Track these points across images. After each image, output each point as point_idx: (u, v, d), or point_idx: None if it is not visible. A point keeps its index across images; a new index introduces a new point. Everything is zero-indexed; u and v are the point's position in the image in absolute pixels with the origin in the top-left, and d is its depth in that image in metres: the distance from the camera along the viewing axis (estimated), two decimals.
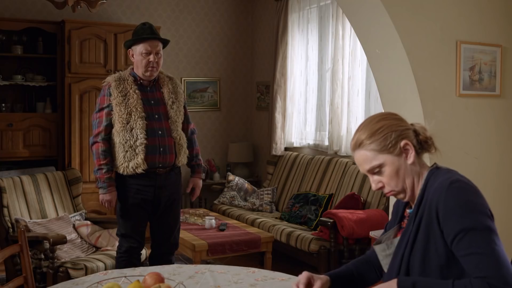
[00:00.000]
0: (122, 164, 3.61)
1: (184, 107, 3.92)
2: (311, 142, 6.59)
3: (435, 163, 1.88)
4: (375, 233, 4.05)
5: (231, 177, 6.83)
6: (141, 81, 3.71)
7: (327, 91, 6.25)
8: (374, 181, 1.88)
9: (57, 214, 4.75)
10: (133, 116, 3.58)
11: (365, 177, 5.33)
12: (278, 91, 6.87)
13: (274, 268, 4.91)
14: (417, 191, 1.85)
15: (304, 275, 1.95)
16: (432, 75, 3.67)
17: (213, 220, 5.05)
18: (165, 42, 3.79)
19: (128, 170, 3.60)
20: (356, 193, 5.21)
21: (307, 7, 6.57)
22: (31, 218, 4.54)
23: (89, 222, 4.79)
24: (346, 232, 4.61)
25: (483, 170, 3.87)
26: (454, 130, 3.72)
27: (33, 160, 6.06)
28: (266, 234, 4.89)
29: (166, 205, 3.77)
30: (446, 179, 1.72)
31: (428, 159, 2.18)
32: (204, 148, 7.55)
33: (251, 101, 7.89)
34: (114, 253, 4.40)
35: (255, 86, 7.79)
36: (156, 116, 3.68)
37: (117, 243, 4.60)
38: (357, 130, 1.89)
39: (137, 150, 3.57)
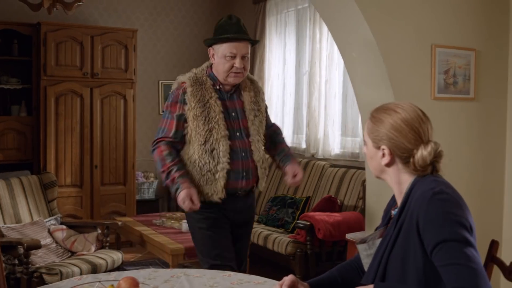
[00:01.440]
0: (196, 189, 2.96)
1: (266, 113, 3.26)
2: (289, 145, 6.58)
3: None
4: (351, 236, 4.07)
5: None
6: (220, 86, 3.04)
7: (304, 94, 6.27)
8: (364, 150, 2.00)
9: (32, 219, 4.69)
10: (214, 135, 2.93)
11: (341, 180, 5.35)
12: None
13: (251, 271, 4.90)
14: (396, 188, 1.87)
15: (290, 277, 1.97)
16: (408, 78, 3.70)
17: None
18: (254, 43, 3.15)
19: (202, 196, 2.98)
20: (333, 196, 5.22)
21: (284, 11, 6.59)
22: (5, 223, 4.48)
23: (64, 227, 4.74)
24: (323, 234, 4.62)
25: (456, 172, 3.92)
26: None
27: (7, 164, 5.97)
28: None
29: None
30: (429, 189, 1.72)
31: None
32: None
33: None
34: (90, 257, 4.37)
35: None
36: (238, 133, 3.03)
37: (93, 248, 4.57)
38: (394, 110, 1.85)
39: (217, 176, 2.95)
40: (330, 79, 5.80)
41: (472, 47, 3.99)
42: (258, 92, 3.17)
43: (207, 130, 2.92)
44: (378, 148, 1.86)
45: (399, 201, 1.88)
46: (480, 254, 1.69)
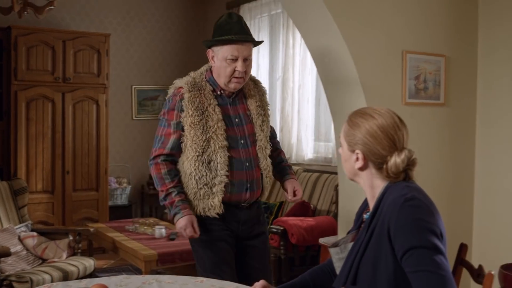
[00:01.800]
0: (192, 203, 2.80)
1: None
2: None
3: None
4: (324, 240, 4.09)
5: None
6: (221, 91, 2.83)
7: (277, 99, 6.29)
8: (339, 151, 2.01)
9: (2, 226, 4.62)
10: (212, 145, 2.73)
11: (315, 185, 5.38)
12: None
13: None
14: (368, 192, 1.89)
15: (261, 283, 1.98)
16: (379, 84, 3.74)
17: (163, 229, 4.99)
18: (257, 43, 2.87)
19: (198, 210, 2.80)
20: (306, 201, 5.24)
21: (258, 16, 6.61)
22: None
23: (35, 234, 4.67)
24: (296, 239, 4.63)
25: (427, 176, 3.95)
26: None
27: None
28: None
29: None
30: (401, 196, 1.74)
31: None
32: None
33: None
34: (61, 264, 4.31)
35: None
36: (242, 141, 2.82)
37: (64, 255, 4.52)
38: (371, 116, 1.86)
39: (214, 189, 2.75)
40: (303, 84, 5.83)
41: (442, 53, 4.05)
42: (262, 95, 2.96)
43: (204, 140, 2.72)
44: (353, 151, 1.87)
45: (371, 204, 1.89)
46: (450, 257, 1.72)
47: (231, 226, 2.84)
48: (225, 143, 2.74)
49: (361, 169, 1.87)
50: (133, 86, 7.29)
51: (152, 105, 7.46)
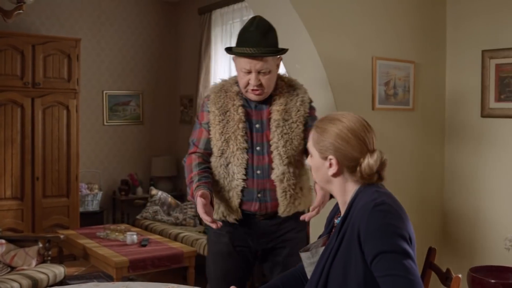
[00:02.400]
0: (217, 204, 2.70)
1: (305, 125, 2.72)
2: None
3: None
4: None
5: (154, 191, 6.75)
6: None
7: None
8: (307, 160, 1.99)
9: None
10: (230, 146, 2.63)
11: None
12: None
13: (198, 282, 4.88)
14: (340, 198, 1.89)
15: None
16: (350, 89, 3.77)
17: (134, 236, 4.97)
18: (275, 54, 2.63)
19: (219, 213, 2.70)
20: None
21: (230, 21, 6.62)
22: None
23: (3, 241, 4.59)
24: None
25: (397, 181, 4.01)
26: None
27: None
28: (189, 249, 4.85)
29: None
30: (371, 200, 1.75)
31: None
32: (126, 162, 7.44)
33: (174, 114, 7.84)
34: (30, 272, 4.25)
35: (179, 99, 7.75)
36: (258, 148, 2.67)
37: (34, 262, 4.45)
38: (339, 120, 1.87)
39: (231, 193, 2.65)
40: None
41: (411, 59, 4.10)
42: (293, 99, 2.71)
43: (223, 140, 2.64)
44: (325, 158, 1.86)
45: (342, 209, 1.90)
46: (419, 261, 1.74)
47: (249, 239, 2.71)
48: (245, 145, 2.63)
49: (335, 175, 1.86)
50: (104, 91, 7.23)
51: (123, 110, 7.41)
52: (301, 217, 2.55)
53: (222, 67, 6.75)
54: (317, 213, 2.49)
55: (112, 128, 7.34)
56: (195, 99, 6.96)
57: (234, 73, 6.78)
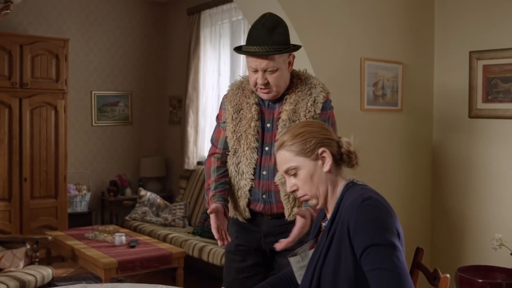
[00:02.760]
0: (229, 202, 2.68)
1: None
2: None
3: (352, 178, 1.95)
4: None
5: (142, 192, 6.73)
6: None
7: None
8: (290, 183, 1.96)
9: None
10: (242, 145, 2.58)
11: None
12: (191, 105, 6.86)
13: (187, 283, 4.88)
14: (331, 201, 1.91)
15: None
16: (338, 90, 3.78)
17: (123, 237, 4.95)
18: (279, 52, 2.48)
19: (230, 212, 2.68)
20: None
21: (219, 22, 6.61)
22: None
23: None
24: None
25: (386, 181, 4.03)
26: (359, 144, 3.85)
27: None
28: (178, 250, 4.84)
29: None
30: (359, 196, 1.78)
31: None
32: (115, 163, 7.41)
33: (163, 115, 7.82)
34: (18, 274, 4.22)
35: (168, 100, 7.74)
36: (267, 148, 2.58)
37: (21, 264, 4.42)
38: (283, 133, 2.00)
39: (239, 193, 2.60)
40: None
41: (399, 60, 4.12)
42: (305, 99, 2.57)
43: (235, 139, 2.60)
44: (317, 156, 1.89)
45: (328, 214, 1.92)
46: (407, 261, 1.75)
47: (254, 237, 2.65)
48: (255, 144, 2.55)
49: (330, 170, 1.90)
50: (93, 92, 7.20)
51: (112, 111, 7.38)
52: (274, 245, 2.40)
53: (211, 67, 6.75)
54: (293, 242, 2.36)
55: (101, 128, 7.31)
56: (184, 100, 6.96)
57: (223, 74, 6.78)
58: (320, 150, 1.89)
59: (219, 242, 2.47)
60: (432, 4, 4.33)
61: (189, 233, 5.83)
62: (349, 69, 3.86)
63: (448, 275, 2.02)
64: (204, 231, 5.61)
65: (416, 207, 4.29)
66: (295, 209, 2.37)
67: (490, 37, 4.02)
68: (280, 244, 2.35)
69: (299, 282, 1.98)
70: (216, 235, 2.46)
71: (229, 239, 2.50)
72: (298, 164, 1.91)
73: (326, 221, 1.92)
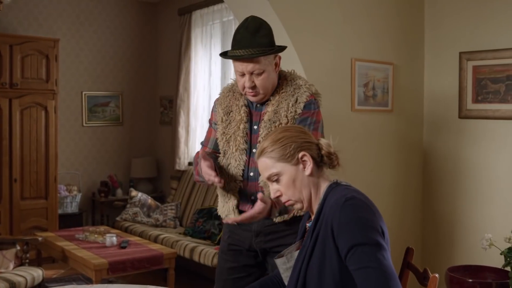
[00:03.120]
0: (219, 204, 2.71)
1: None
2: None
3: (336, 179, 1.95)
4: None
5: (134, 193, 6.71)
6: None
7: None
8: (273, 189, 1.96)
9: None
10: (231, 147, 2.58)
11: None
12: (182, 106, 6.86)
13: (178, 284, 4.87)
14: (315, 203, 1.92)
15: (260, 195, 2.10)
16: (329, 91, 3.79)
17: (114, 238, 4.93)
18: (269, 53, 2.49)
19: (222, 214, 2.69)
20: None
21: (210, 23, 6.61)
22: None
23: None
24: None
25: (377, 182, 4.04)
26: (350, 144, 3.86)
27: None
28: (169, 250, 4.84)
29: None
30: (342, 196, 1.79)
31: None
32: (105, 163, 7.39)
33: (154, 115, 7.81)
34: (8, 275, 4.20)
35: (159, 100, 7.72)
36: (254, 150, 2.53)
37: (11, 265, 4.40)
38: (263, 140, 2.00)
39: (229, 194, 2.59)
40: None
41: (390, 61, 4.14)
42: (287, 99, 2.55)
43: (225, 141, 2.60)
44: (297, 160, 1.90)
45: (313, 215, 1.93)
46: (397, 261, 1.76)
47: (246, 237, 2.63)
48: (244, 146, 2.55)
49: (312, 173, 1.90)
50: (84, 92, 7.17)
51: (103, 111, 7.36)
52: (224, 219, 2.51)
53: (202, 68, 6.74)
54: (241, 221, 2.40)
55: (91, 129, 7.29)
56: (175, 100, 6.95)
57: (214, 74, 6.77)
58: (300, 154, 1.89)
59: (216, 179, 2.39)
60: (422, 5, 4.35)
61: (180, 233, 5.82)
62: (340, 70, 3.87)
63: (437, 275, 2.03)
64: (195, 232, 5.60)
65: (406, 207, 4.31)
66: (259, 194, 2.36)
67: (480, 38, 4.04)
68: (229, 219, 2.47)
69: (286, 283, 1.98)
70: (212, 173, 2.39)
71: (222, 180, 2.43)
72: (280, 170, 1.91)
73: (311, 222, 1.93)
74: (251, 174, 2.56)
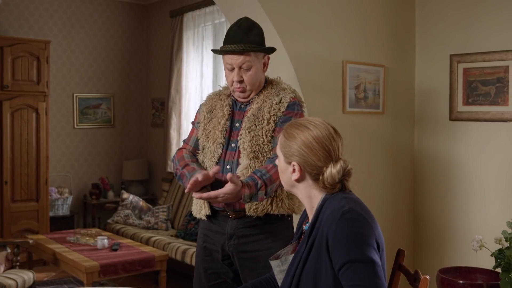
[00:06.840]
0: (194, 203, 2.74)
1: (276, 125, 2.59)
2: None
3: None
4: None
5: (125, 195, 6.70)
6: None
7: None
8: (276, 162, 2.01)
9: None
10: (209, 141, 2.64)
11: None
12: (173, 108, 6.85)
13: (170, 286, 4.86)
14: (306, 201, 1.90)
15: (229, 175, 2.11)
16: (320, 93, 3.80)
17: (105, 240, 4.91)
18: (259, 50, 2.61)
19: (195, 211, 2.72)
20: None
21: (202, 25, 6.61)
22: None
23: None
24: None
25: (369, 184, 4.05)
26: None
27: None
28: (161, 253, 4.82)
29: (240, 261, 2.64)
30: (339, 208, 1.75)
31: None
32: (97, 165, 7.37)
33: (146, 117, 7.80)
34: None
35: (150, 102, 7.71)
36: (233, 145, 2.62)
37: (1, 268, 4.38)
38: (306, 127, 1.87)
39: (202, 190, 2.49)
40: None
41: (381, 63, 4.15)
42: (271, 99, 2.62)
43: (205, 136, 2.67)
44: (289, 163, 1.88)
45: (310, 215, 1.91)
46: (389, 262, 1.76)
47: (218, 239, 2.64)
48: (221, 140, 2.61)
49: (298, 180, 1.87)
50: (75, 94, 7.15)
51: (94, 113, 7.34)
52: (194, 195, 2.47)
53: (194, 70, 6.74)
54: (205, 198, 2.41)
55: (83, 131, 7.27)
56: (167, 102, 6.94)
57: (205, 76, 6.75)
58: (293, 162, 1.86)
59: (188, 185, 2.41)
60: (413, 8, 4.37)
61: (172, 236, 5.81)
62: (331, 72, 3.88)
63: (428, 277, 2.04)
64: (187, 234, 5.59)
65: (397, 209, 4.32)
66: (229, 174, 2.33)
67: (470, 41, 4.06)
68: (196, 194, 2.44)
69: (279, 285, 1.98)
70: (189, 181, 2.42)
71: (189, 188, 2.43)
72: (278, 154, 1.94)
73: (308, 223, 1.92)
74: (228, 167, 2.59)
